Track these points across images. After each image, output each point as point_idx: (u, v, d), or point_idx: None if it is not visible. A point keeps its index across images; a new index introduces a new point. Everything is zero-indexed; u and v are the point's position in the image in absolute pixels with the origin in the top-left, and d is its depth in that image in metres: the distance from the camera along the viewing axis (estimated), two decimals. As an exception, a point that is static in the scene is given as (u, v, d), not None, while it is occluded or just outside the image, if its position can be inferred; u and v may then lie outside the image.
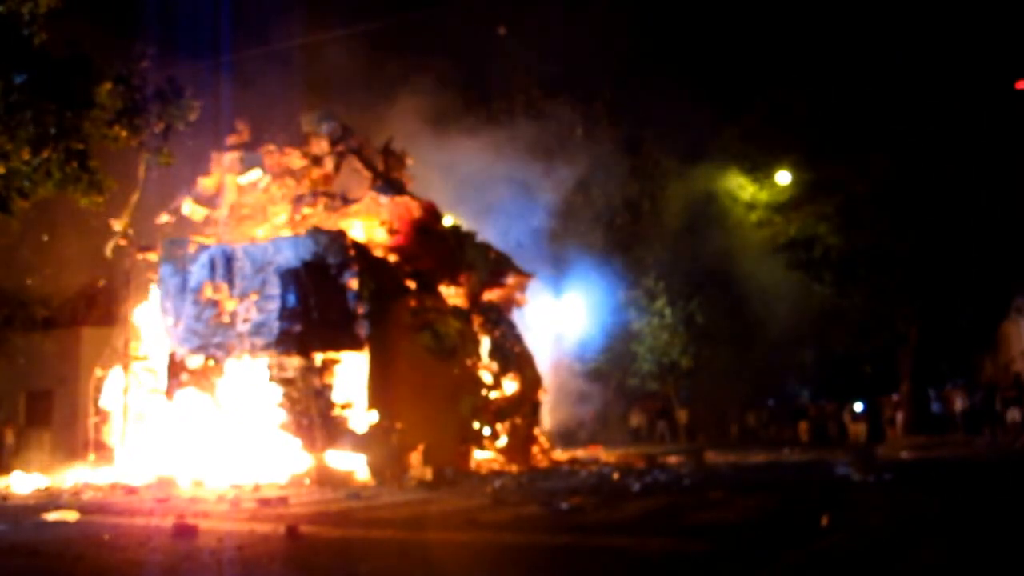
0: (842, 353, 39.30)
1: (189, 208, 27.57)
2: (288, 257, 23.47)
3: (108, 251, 26.09)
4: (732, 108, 39.05)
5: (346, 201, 26.97)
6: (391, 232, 26.45)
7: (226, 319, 23.84)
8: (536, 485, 19.03)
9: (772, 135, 37.24)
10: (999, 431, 31.15)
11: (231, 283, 24.03)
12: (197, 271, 24.56)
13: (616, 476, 20.53)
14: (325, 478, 21.05)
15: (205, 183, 27.68)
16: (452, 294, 26.89)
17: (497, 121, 40.63)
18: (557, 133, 40.38)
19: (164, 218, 27.62)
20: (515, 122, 40.44)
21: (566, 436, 39.54)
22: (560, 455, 29.33)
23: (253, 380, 23.15)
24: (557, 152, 40.13)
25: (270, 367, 22.81)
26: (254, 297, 23.46)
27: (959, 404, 34.56)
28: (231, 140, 27.98)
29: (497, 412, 25.88)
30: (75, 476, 23.21)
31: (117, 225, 25.91)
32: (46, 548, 10.75)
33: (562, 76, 41.50)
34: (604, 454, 30.11)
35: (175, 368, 23.93)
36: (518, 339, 28.75)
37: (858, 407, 38.64)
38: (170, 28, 28.01)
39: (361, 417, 22.31)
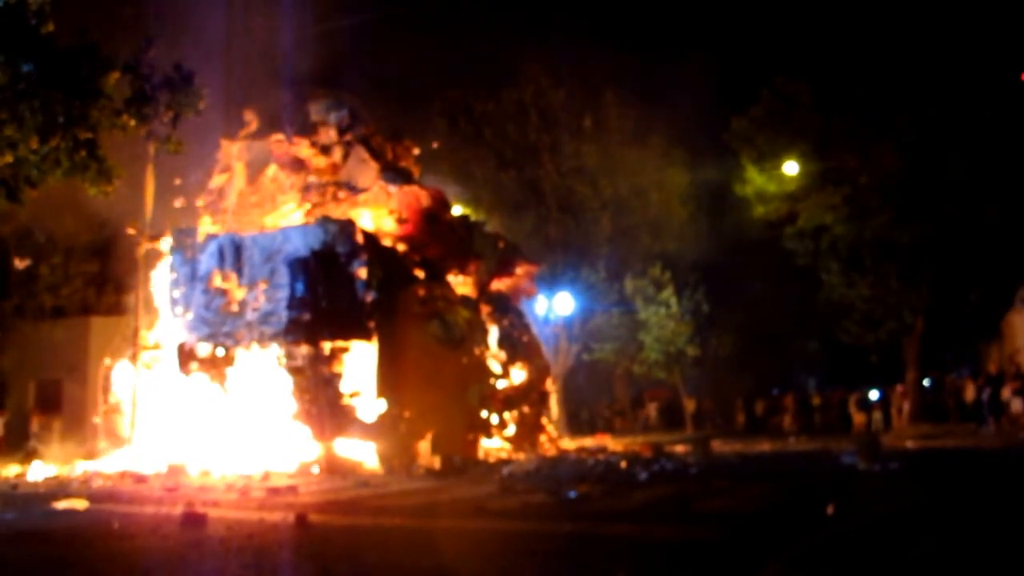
0: (848, 343, 39.24)
1: (202, 202, 27.67)
2: (297, 246, 23.51)
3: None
4: (740, 98, 39.06)
5: (355, 190, 27.00)
6: (399, 221, 26.47)
7: (235, 308, 23.91)
8: (544, 473, 19.06)
9: (779, 126, 37.25)
10: (1004, 421, 31.13)
11: (240, 272, 24.09)
12: (206, 260, 24.62)
13: (623, 465, 20.56)
14: (334, 466, 21.11)
15: (218, 180, 27.78)
16: (460, 283, 26.94)
17: (507, 111, 40.64)
18: (567, 123, 40.41)
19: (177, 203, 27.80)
20: (525, 112, 40.46)
21: (574, 425, 39.63)
22: (568, 444, 29.37)
23: (262, 369, 23.21)
24: (566, 141, 40.17)
25: (279, 356, 22.86)
26: (263, 286, 23.52)
27: (971, 394, 34.50)
28: (241, 132, 28.05)
29: (505, 401, 25.92)
30: (84, 464, 23.29)
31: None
32: (56, 536, 10.81)
33: (571, 65, 41.53)
34: (611, 443, 30.14)
35: (184, 357, 23.98)
36: (526, 328, 28.82)
37: (874, 395, 38.60)
38: (180, 14, 28.00)
39: (370, 406, 22.36)
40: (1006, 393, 31.10)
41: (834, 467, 18.90)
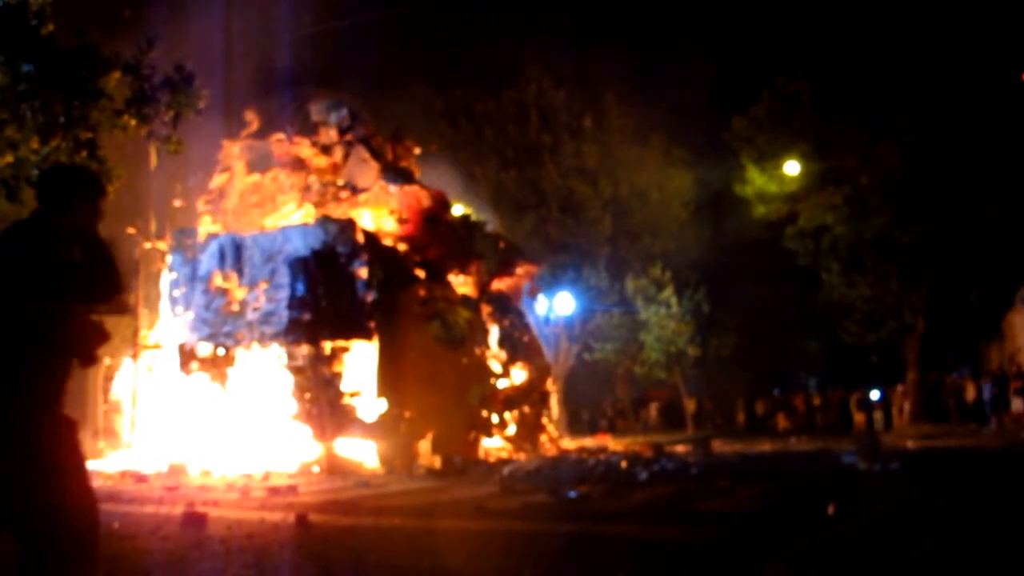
0: (849, 342, 39.32)
1: (204, 203, 27.71)
2: (297, 246, 23.52)
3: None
4: (740, 98, 39.14)
5: (355, 190, 27.02)
6: (400, 221, 26.49)
7: (236, 308, 23.92)
8: (544, 473, 19.05)
9: (780, 126, 37.31)
10: (1007, 420, 31.17)
11: (240, 272, 24.11)
12: (206, 260, 24.63)
13: (624, 465, 20.56)
14: (334, 467, 21.11)
15: (219, 180, 27.80)
16: (461, 283, 26.95)
17: (507, 111, 40.72)
18: (567, 123, 40.47)
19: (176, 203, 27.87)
20: (526, 112, 40.53)
21: (574, 425, 39.65)
22: (568, 444, 29.39)
23: (263, 369, 23.21)
24: (566, 141, 40.22)
25: (280, 356, 22.87)
26: (263, 286, 23.52)
27: (972, 394, 34.57)
28: (242, 132, 28.07)
29: (506, 401, 25.92)
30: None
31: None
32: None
33: (572, 66, 41.60)
34: (612, 443, 30.14)
35: (185, 357, 23.98)
36: (527, 328, 28.85)
37: (874, 395, 38.70)
38: (180, 14, 28.01)
39: (370, 406, 22.36)
40: (1009, 393, 31.18)
41: (835, 467, 18.90)
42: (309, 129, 28.29)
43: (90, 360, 5.09)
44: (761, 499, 13.34)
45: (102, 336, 5.03)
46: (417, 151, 29.98)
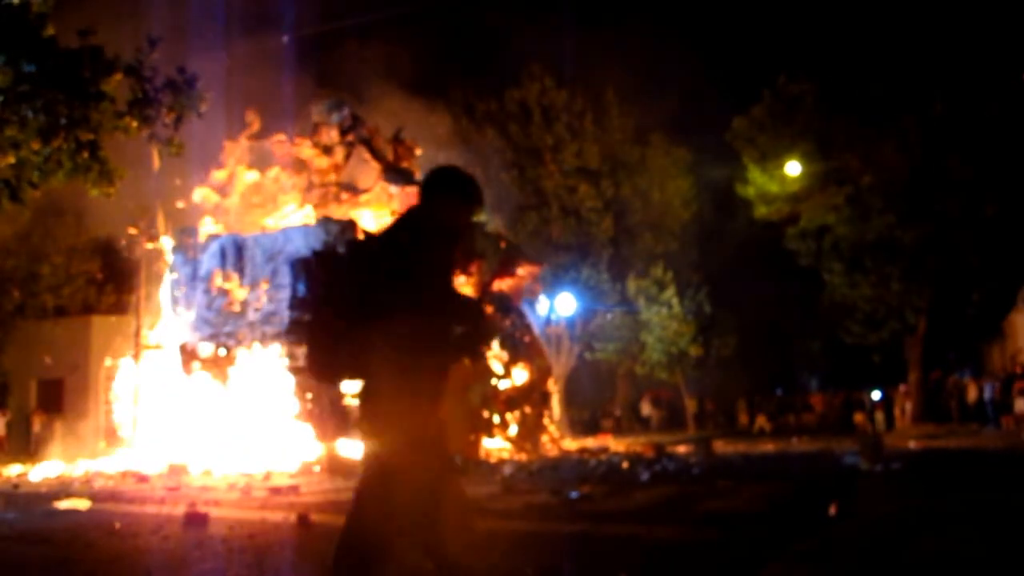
0: (851, 343, 39.32)
1: (201, 196, 27.67)
2: (298, 246, 23.53)
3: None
4: (741, 98, 39.13)
5: (356, 191, 27.02)
6: (401, 221, 26.46)
7: (237, 308, 23.93)
8: (546, 474, 19.05)
9: (781, 126, 37.26)
10: (1011, 421, 31.16)
11: (242, 272, 24.13)
12: (208, 260, 24.65)
13: (625, 465, 20.54)
14: (336, 466, 21.08)
15: (218, 175, 27.78)
16: (462, 283, 26.93)
17: (509, 111, 40.71)
18: (569, 123, 40.45)
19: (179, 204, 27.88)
20: (528, 112, 40.53)
21: (576, 425, 39.61)
22: (570, 444, 29.37)
23: (264, 369, 23.21)
24: (568, 141, 40.20)
25: (281, 356, 22.87)
26: (265, 286, 23.54)
27: (973, 394, 34.57)
28: (243, 132, 28.09)
29: (507, 401, 25.91)
30: (86, 464, 23.29)
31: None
32: (57, 536, 10.80)
33: (574, 65, 41.58)
34: (613, 443, 30.12)
35: (186, 356, 24.00)
36: (528, 328, 28.83)
37: (876, 395, 38.73)
38: (182, 14, 28.03)
39: (371, 406, 22.31)
40: (1012, 393, 31.22)
41: (836, 467, 18.89)
42: (310, 129, 28.32)
43: (480, 355, 5.13)
44: (762, 499, 13.33)
45: (490, 334, 5.02)
46: (418, 152, 29.98)
